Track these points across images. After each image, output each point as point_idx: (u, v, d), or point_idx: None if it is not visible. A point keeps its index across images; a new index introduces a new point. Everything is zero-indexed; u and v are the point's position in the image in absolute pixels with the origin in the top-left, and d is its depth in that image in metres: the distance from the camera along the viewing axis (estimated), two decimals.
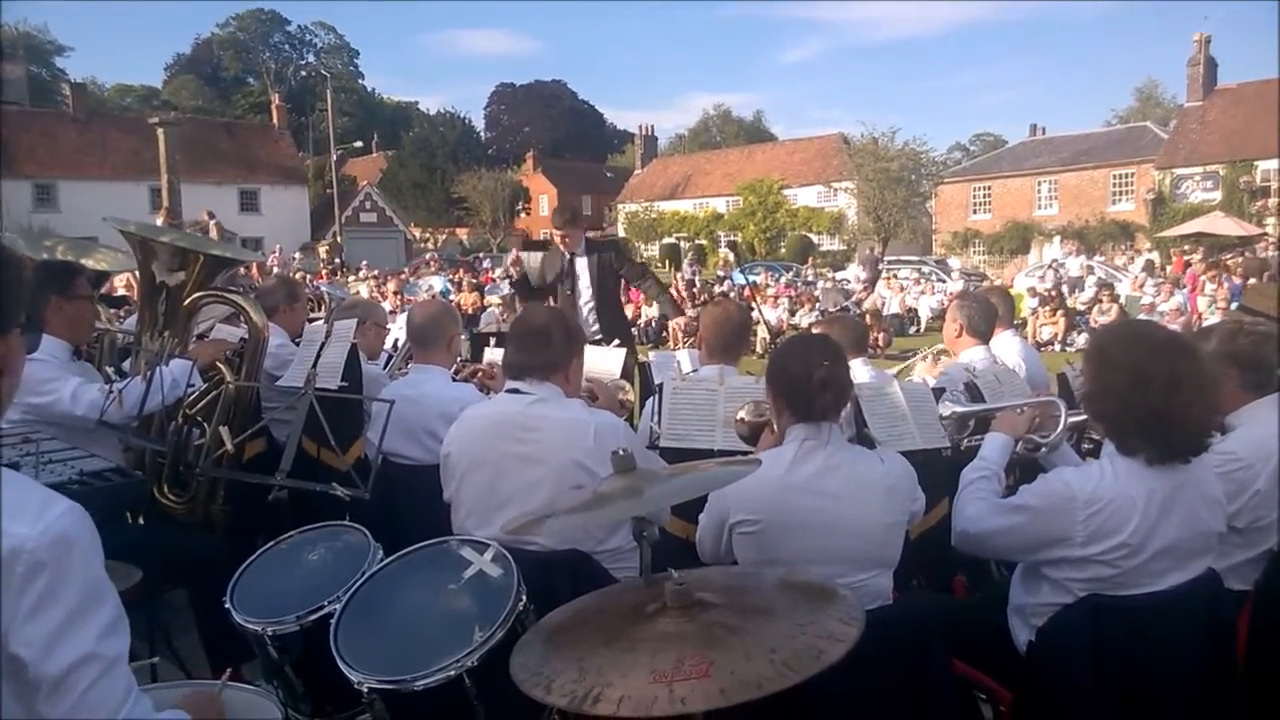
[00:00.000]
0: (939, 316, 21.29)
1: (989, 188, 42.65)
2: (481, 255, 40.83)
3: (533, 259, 6.94)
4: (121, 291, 10.65)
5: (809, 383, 2.49)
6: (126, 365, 4.31)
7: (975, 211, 42.68)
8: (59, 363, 3.57)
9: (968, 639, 2.72)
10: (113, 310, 5.91)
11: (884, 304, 22.79)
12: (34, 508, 1.40)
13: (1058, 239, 36.32)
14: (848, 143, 43.95)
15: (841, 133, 46.92)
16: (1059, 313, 19.66)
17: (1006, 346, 4.92)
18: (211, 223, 20.95)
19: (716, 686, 1.49)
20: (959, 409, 3.43)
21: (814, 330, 4.48)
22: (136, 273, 5.65)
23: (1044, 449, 3.09)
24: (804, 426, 2.54)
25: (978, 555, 2.97)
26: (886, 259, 33.15)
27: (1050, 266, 25.61)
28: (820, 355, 2.54)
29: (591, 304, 6.59)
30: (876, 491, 2.51)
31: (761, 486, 2.44)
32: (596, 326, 6.55)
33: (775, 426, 2.73)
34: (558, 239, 6.69)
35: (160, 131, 27.32)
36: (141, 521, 3.96)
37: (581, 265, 6.59)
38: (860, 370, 4.04)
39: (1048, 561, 2.51)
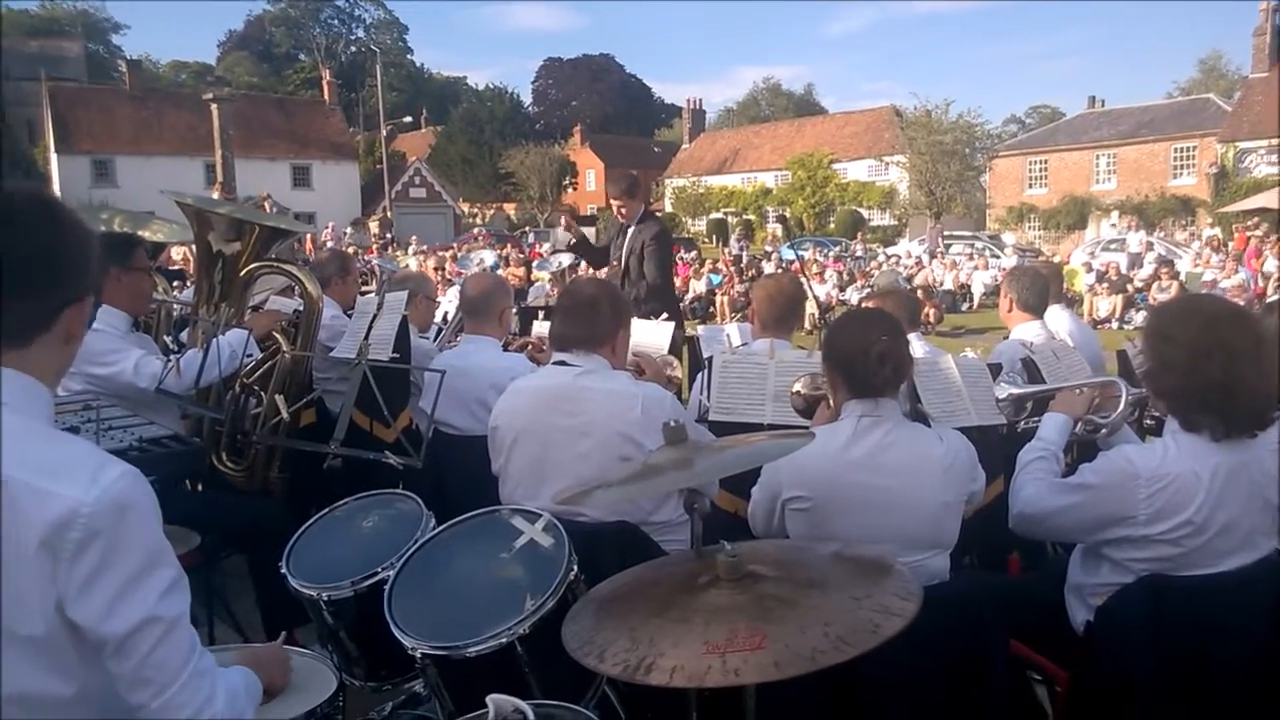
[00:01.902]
0: (992, 293, 20.98)
1: (1045, 161, 41.74)
2: (527, 230, 40.93)
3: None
4: (178, 265, 10.84)
5: (866, 357, 2.45)
6: (184, 336, 4.40)
7: (1031, 186, 41.83)
8: (119, 334, 3.64)
9: (1023, 618, 2.68)
10: (175, 283, 6.03)
11: (937, 280, 22.48)
12: (89, 471, 1.41)
13: (1116, 214, 35.45)
14: (900, 115, 43.22)
15: (893, 105, 46.19)
16: (1117, 289, 19.26)
17: (1055, 321, 4.81)
18: (265, 201, 21.28)
19: (770, 659, 1.48)
20: (1015, 390, 3.35)
21: (866, 305, 4.41)
22: (193, 245, 5.76)
23: (1104, 430, 3.02)
24: (861, 402, 2.50)
25: (1036, 537, 2.92)
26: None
27: (1103, 246, 25.06)
28: (878, 329, 2.49)
29: (621, 276, 6.50)
30: (935, 470, 2.47)
31: (816, 463, 2.41)
32: (632, 296, 6.49)
33: (831, 401, 2.69)
34: (615, 209, 6.65)
35: (214, 107, 27.73)
36: (200, 489, 4.05)
37: (627, 236, 6.55)
38: (914, 346, 3.98)
39: (1109, 541, 2.46)
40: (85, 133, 42.55)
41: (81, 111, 43.17)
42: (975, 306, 21.91)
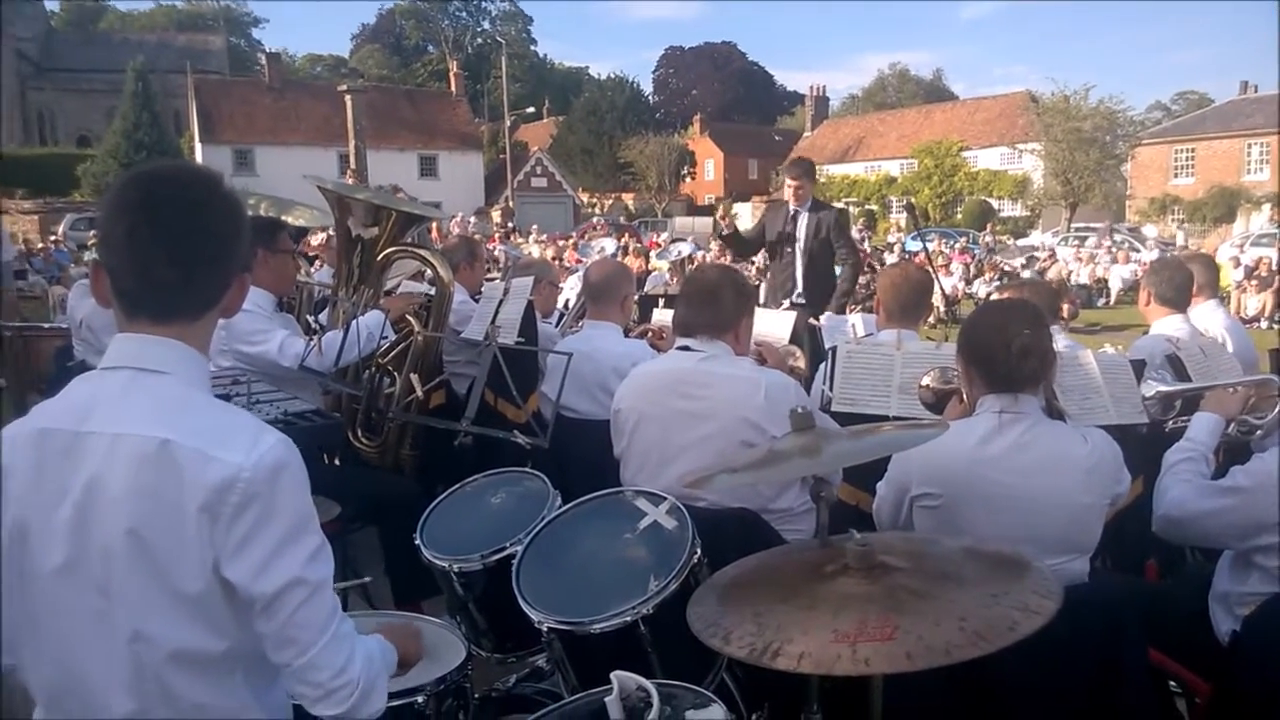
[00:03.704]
0: (1131, 288, 20.00)
1: (1192, 150, 39.53)
2: (647, 220, 41.10)
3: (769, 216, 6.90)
4: (315, 251, 11.32)
5: (1006, 351, 2.36)
6: (324, 317, 4.59)
7: (1176, 175, 39.69)
8: (265, 314, 3.83)
9: (1162, 626, 2.56)
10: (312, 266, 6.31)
11: (1071, 273, 21.55)
12: (249, 438, 1.49)
13: (1267, 206, 33.22)
14: (1035, 101, 41.53)
15: (1028, 91, 44.43)
16: (1267, 285, 18.06)
17: (1210, 317, 4.55)
18: (397, 194, 22.13)
19: (902, 650, 1.46)
20: (1164, 388, 3.19)
21: (1001, 296, 4.22)
22: (330, 230, 6.00)
23: (1259, 431, 2.85)
24: (999, 398, 2.41)
25: (1181, 541, 2.79)
26: (1074, 226, 31.26)
27: (1253, 241, 23.51)
28: (1020, 322, 2.40)
29: (802, 263, 6.53)
30: (1076, 471, 2.36)
31: (949, 459, 2.34)
32: (802, 287, 6.50)
33: (965, 395, 2.61)
34: (790, 189, 6.63)
35: (348, 99, 28.84)
36: (337, 463, 4.23)
37: (802, 222, 6.54)
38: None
39: (1260, 548, 2.34)
40: (227, 123, 44.75)
41: (224, 103, 45.47)
42: (1113, 302, 20.94)
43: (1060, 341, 3.91)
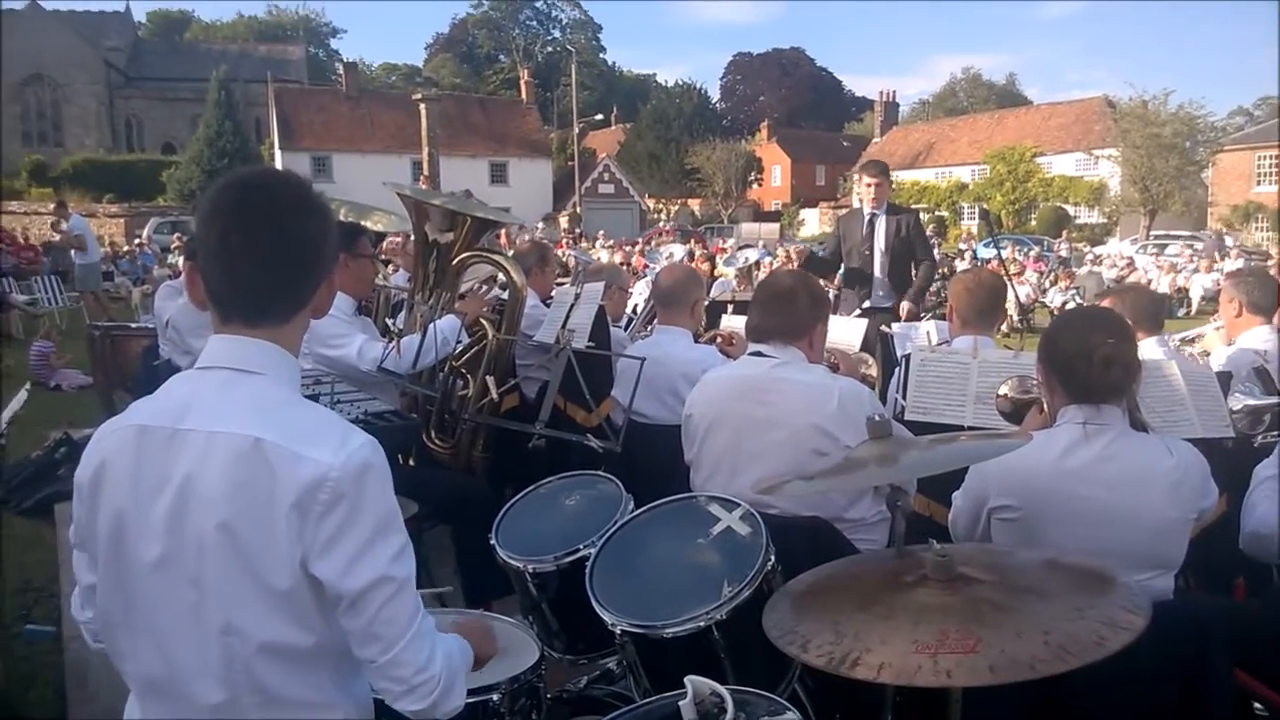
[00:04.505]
0: (1212, 298, 19.36)
1: (1276, 156, 38.08)
2: (713, 226, 41.06)
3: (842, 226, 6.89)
4: (386, 255, 11.53)
5: (1088, 361, 2.31)
6: (400, 319, 4.68)
7: (1259, 182, 38.30)
8: (345, 317, 3.92)
9: (1249, 646, 2.48)
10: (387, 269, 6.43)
11: (1150, 282, 20.94)
12: (337, 438, 1.52)
13: None
14: (1113, 106, 40.48)
15: (1105, 95, 43.33)
16: None
17: None
18: (470, 201, 22.50)
19: (985, 663, 1.43)
20: (1252, 401, 3.09)
21: (1104, 303, 4.07)
22: (405, 234, 6.10)
23: None
24: (1081, 408, 2.35)
25: (1270, 559, 2.69)
26: (1153, 234, 30.32)
27: None
28: (1103, 331, 2.35)
29: (885, 267, 6.49)
30: (1162, 485, 2.30)
31: (1029, 470, 2.30)
32: (884, 291, 6.46)
33: (1046, 405, 2.56)
34: (867, 191, 6.59)
35: (423, 107, 29.40)
36: (412, 463, 4.31)
37: (880, 225, 6.51)
38: (1152, 350, 3.64)
39: None
40: (306, 131, 45.98)
41: (303, 111, 46.76)
42: (1193, 312, 20.30)
43: (1162, 352, 3.76)
